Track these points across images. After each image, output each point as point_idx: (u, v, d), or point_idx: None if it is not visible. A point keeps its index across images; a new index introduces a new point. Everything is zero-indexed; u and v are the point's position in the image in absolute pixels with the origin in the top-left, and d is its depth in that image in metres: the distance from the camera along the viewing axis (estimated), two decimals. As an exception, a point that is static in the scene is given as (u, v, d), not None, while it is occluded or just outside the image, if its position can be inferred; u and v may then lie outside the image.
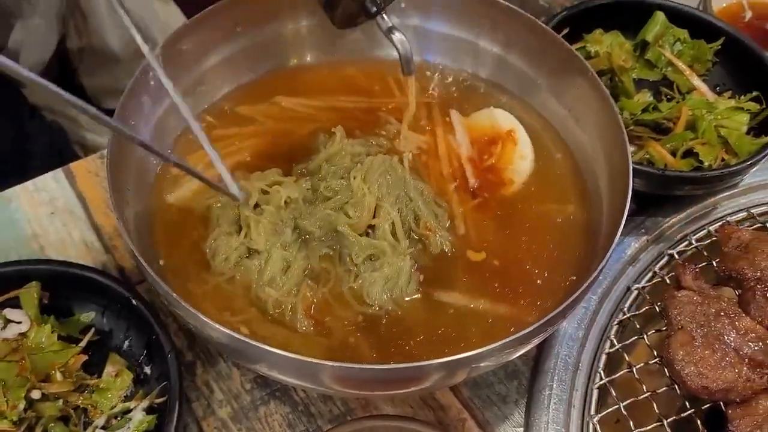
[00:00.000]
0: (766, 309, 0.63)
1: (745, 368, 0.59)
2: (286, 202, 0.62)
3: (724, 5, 0.97)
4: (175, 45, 0.65)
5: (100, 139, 1.31)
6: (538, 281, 0.62)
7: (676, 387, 0.62)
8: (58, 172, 0.78)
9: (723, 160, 0.77)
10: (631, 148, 0.79)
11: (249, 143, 0.70)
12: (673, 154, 0.78)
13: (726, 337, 0.61)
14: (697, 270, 0.66)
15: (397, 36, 0.65)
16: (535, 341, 0.57)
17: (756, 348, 0.61)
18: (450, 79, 0.77)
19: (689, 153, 0.78)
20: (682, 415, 0.62)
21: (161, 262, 0.60)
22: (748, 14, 0.98)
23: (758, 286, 0.64)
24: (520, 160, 0.70)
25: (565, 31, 0.84)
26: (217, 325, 0.48)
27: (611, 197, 0.63)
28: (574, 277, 0.62)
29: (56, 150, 1.22)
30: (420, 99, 0.74)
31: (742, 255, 0.67)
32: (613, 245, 0.55)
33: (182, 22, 1.37)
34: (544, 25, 0.70)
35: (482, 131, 0.73)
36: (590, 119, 0.68)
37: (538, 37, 0.70)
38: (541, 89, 0.73)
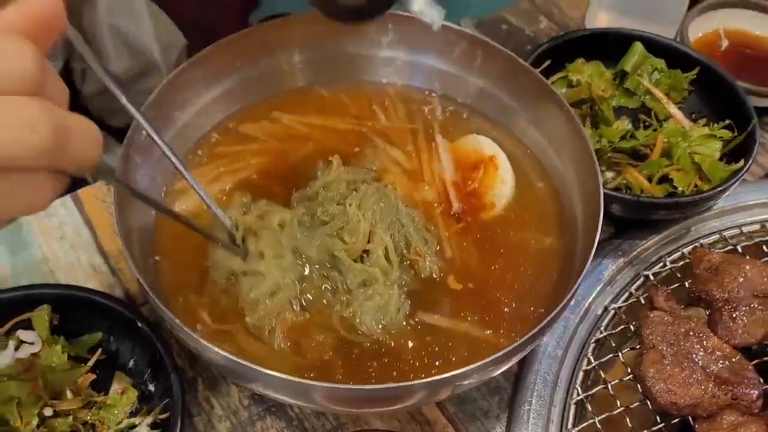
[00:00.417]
0: (732, 329, 0.67)
1: (711, 385, 0.63)
2: (279, 225, 0.66)
3: (701, 35, 1.01)
4: (174, 83, 0.69)
5: (108, 160, 1.36)
6: (515, 304, 0.65)
7: (648, 402, 0.66)
8: (67, 199, 0.83)
9: (696, 185, 0.81)
10: (609, 174, 0.84)
11: (253, 162, 0.74)
12: (650, 179, 0.82)
13: (694, 356, 0.65)
14: (668, 291, 0.70)
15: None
16: (514, 360, 0.60)
17: (722, 366, 0.65)
18: (435, 106, 0.81)
19: (665, 178, 0.82)
20: (653, 429, 0.65)
21: (161, 279, 0.64)
22: (725, 43, 1.02)
23: (725, 307, 0.68)
24: (501, 185, 0.74)
25: (547, 62, 0.89)
26: (214, 348, 0.53)
27: (585, 223, 0.67)
28: (551, 301, 0.65)
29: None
30: (405, 125, 0.78)
31: (712, 277, 0.71)
32: (585, 271, 0.59)
33: (182, 41, 1.43)
34: (522, 61, 0.74)
35: (465, 156, 0.76)
36: (565, 148, 0.72)
37: (517, 70, 0.74)
38: (521, 118, 0.77)
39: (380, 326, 0.63)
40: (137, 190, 0.51)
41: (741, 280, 0.68)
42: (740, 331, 0.66)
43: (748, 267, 0.69)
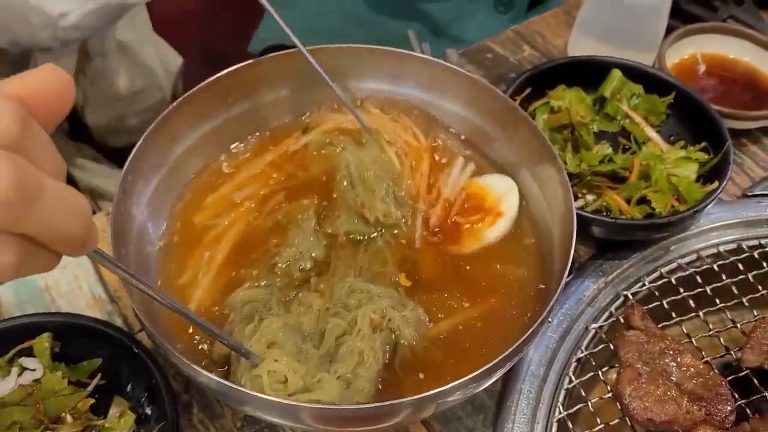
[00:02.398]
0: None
1: (686, 401, 0.66)
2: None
3: (678, 60, 1.04)
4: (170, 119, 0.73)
5: (110, 187, 1.39)
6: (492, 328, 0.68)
7: (627, 419, 0.68)
8: (69, 229, 0.86)
9: (673, 206, 0.84)
10: (590, 197, 0.87)
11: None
12: (628, 201, 0.85)
13: (669, 373, 0.68)
14: (644, 311, 0.73)
15: None
16: (496, 376, 0.62)
17: (695, 383, 0.67)
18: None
19: (643, 200, 0.85)
20: (633, 445, 0.68)
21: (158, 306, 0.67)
22: (702, 67, 1.05)
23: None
24: (490, 232, 0.74)
25: (528, 90, 0.92)
26: (204, 372, 0.55)
27: (561, 242, 0.69)
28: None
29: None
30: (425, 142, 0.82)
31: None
32: (560, 287, 0.61)
33: (179, 60, 1.47)
34: (493, 87, 0.77)
35: (478, 194, 0.76)
36: (542, 174, 0.75)
37: (495, 99, 0.77)
38: (500, 144, 0.80)
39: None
40: (154, 290, 0.51)
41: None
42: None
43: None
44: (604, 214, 0.84)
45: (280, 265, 0.70)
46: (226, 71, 0.75)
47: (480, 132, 0.81)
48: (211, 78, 0.75)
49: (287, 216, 0.74)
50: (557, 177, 0.70)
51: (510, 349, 0.58)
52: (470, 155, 0.81)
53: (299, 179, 0.79)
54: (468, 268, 0.72)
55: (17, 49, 1.06)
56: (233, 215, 0.75)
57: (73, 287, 0.81)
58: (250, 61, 0.77)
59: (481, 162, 0.81)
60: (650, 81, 0.94)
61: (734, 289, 0.78)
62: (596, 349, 0.75)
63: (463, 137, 0.82)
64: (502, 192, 0.76)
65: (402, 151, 0.80)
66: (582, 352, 0.75)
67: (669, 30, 1.05)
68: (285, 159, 0.80)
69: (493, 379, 0.62)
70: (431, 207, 0.76)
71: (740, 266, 0.81)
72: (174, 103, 0.73)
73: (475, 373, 0.57)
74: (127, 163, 0.67)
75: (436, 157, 0.81)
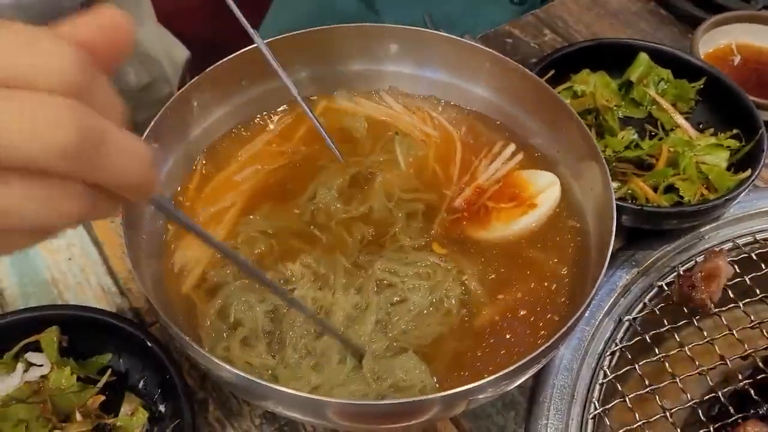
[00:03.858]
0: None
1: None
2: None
3: (711, 50, 1.00)
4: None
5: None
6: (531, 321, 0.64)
7: (668, 415, 0.64)
8: (76, 220, 0.82)
9: (702, 195, 0.80)
10: (615, 184, 0.83)
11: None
12: (655, 189, 0.81)
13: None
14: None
15: None
16: (530, 372, 0.59)
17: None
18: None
19: (671, 188, 0.81)
20: (674, 442, 0.64)
21: (172, 299, 0.64)
22: (737, 58, 1.01)
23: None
24: (520, 221, 0.70)
25: (551, 72, 0.89)
26: (225, 365, 0.52)
27: (598, 234, 0.66)
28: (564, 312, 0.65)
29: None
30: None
31: None
32: (600, 279, 0.58)
33: (186, 54, 1.44)
34: (529, 72, 0.73)
35: (518, 185, 0.73)
36: (577, 159, 0.71)
37: (527, 83, 0.74)
38: (533, 131, 0.76)
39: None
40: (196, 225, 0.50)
41: None
42: None
43: None
44: (630, 202, 0.80)
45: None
46: (236, 54, 0.72)
47: (518, 121, 0.77)
48: (223, 60, 0.72)
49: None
50: (597, 168, 0.66)
51: (545, 345, 0.54)
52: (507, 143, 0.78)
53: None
54: (494, 252, 0.69)
55: None
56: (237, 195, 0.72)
57: (81, 280, 0.77)
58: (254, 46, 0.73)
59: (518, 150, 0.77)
60: (679, 65, 0.91)
61: (774, 278, 0.75)
62: (631, 342, 0.72)
63: (498, 122, 0.79)
64: (543, 185, 0.72)
65: (419, 142, 0.77)
66: (616, 345, 0.72)
67: (701, 20, 1.01)
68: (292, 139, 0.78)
69: (526, 376, 0.59)
70: (459, 192, 0.72)
71: (779, 255, 0.77)
72: (185, 87, 0.69)
73: (508, 370, 0.53)
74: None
75: (473, 145, 0.77)
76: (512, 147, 0.76)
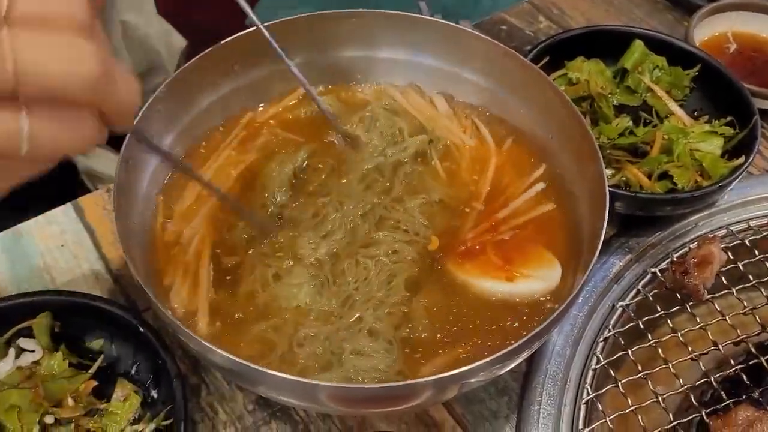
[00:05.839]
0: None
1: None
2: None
3: (707, 37, 1.00)
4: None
5: (108, 170, 1.35)
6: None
7: (660, 400, 0.65)
8: (67, 206, 0.82)
9: (696, 182, 0.80)
10: (609, 171, 0.83)
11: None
12: (650, 176, 0.81)
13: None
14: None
15: None
16: (522, 356, 0.59)
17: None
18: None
19: (665, 175, 0.81)
20: (666, 427, 0.64)
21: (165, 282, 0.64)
22: (733, 46, 1.01)
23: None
24: (497, 285, 0.65)
25: (546, 59, 0.89)
26: (218, 350, 0.52)
27: (590, 219, 0.66)
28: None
29: (64, 180, 1.27)
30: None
31: None
32: (592, 264, 0.58)
33: (183, 42, 1.44)
34: (522, 57, 0.73)
35: (526, 252, 0.68)
36: (570, 146, 0.71)
37: (522, 70, 0.73)
38: (524, 115, 0.76)
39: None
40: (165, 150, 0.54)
41: None
42: None
43: None
44: (624, 189, 0.80)
45: None
46: (228, 39, 0.72)
47: (512, 108, 0.77)
48: (216, 45, 0.72)
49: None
50: (591, 155, 0.65)
51: (537, 329, 0.54)
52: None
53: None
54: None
55: None
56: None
57: (73, 266, 0.77)
58: (252, 29, 0.73)
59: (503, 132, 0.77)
60: (674, 53, 0.91)
61: (768, 264, 0.75)
62: (624, 328, 0.72)
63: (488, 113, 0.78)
64: (542, 273, 0.66)
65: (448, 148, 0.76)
66: (609, 330, 0.72)
67: (697, 7, 1.01)
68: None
69: (519, 360, 0.59)
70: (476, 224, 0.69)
71: (773, 241, 0.77)
72: (177, 71, 0.69)
73: (500, 353, 0.53)
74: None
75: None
76: (542, 185, 0.72)
